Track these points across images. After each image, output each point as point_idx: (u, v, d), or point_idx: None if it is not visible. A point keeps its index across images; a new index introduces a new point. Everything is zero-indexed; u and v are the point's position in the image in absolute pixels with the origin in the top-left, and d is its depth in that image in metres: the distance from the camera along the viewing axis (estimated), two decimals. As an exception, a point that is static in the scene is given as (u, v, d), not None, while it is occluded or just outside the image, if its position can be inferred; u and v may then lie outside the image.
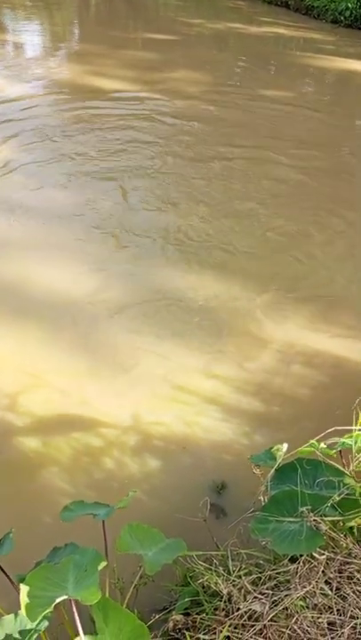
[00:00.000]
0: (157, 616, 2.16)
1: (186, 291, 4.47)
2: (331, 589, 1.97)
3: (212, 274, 4.69)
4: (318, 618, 1.92)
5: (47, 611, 1.63)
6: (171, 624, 2.06)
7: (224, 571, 2.14)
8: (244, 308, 4.36)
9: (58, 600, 1.67)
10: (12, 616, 1.83)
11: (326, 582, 2.00)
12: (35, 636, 1.74)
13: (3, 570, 2.00)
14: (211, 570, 2.15)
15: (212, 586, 2.09)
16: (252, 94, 8.43)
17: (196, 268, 4.76)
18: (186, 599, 2.16)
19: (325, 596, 1.97)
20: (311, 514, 1.97)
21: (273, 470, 2.26)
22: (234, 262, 4.85)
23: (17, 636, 1.75)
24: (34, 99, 7.91)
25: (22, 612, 1.64)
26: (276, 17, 12.92)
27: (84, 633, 1.74)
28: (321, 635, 1.90)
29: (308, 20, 12.82)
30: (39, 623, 1.69)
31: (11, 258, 4.76)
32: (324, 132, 7.53)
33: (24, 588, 1.73)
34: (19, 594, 1.78)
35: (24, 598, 1.70)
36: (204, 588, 2.15)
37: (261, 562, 2.18)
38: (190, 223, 5.31)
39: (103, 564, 1.79)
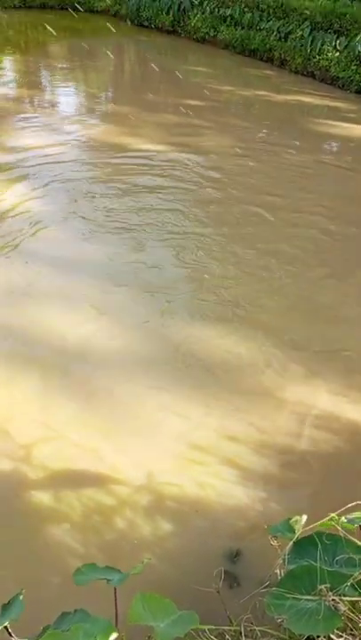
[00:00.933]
0: None
1: (205, 348, 4.48)
2: (349, 675, 1.88)
3: (231, 331, 4.71)
4: None
5: None
6: None
7: (237, 648, 2.06)
8: (264, 368, 4.35)
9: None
10: None
11: (344, 667, 1.90)
12: None
13: (11, 635, 1.94)
14: (223, 646, 2.07)
15: (224, 664, 2.00)
16: (278, 157, 8.69)
17: (216, 325, 4.79)
18: None
19: None
20: (330, 593, 1.89)
21: (291, 543, 2.19)
22: (255, 320, 4.87)
23: None
24: (65, 154, 8.22)
25: None
26: (301, 86, 13.41)
27: None
28: None
29: (333, 90, 13.28)
30: None
31: (28, 307, 4.85)
32: (350, 189, 7.67)
33: (31, 657, 1.68)
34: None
35: (31, 667, 1.65)
36: (215, 665, 2.07)
37: (276, 640, 2.09)
38: (217, 282, 5.38)
39: (114, 635, 1.73)
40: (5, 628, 1.95)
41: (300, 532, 2.22)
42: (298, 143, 9.54)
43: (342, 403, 4.09)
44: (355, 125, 10.81)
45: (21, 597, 2.00)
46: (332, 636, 1.93)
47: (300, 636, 2.04)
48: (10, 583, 2.67)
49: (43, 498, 3.17)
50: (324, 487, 3.39)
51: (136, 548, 2.94)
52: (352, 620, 1.99)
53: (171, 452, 3.56)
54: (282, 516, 2.46)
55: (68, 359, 4.25)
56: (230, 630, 2.18)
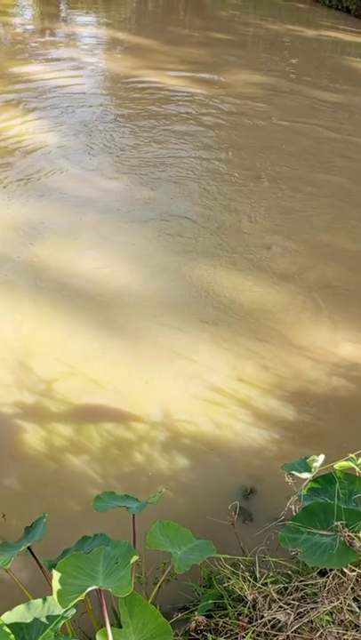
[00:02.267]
0: (179, 615, 2.15)
1: (228, 290, 4.44)
2: (359, 607, 1.94)
3: (254, 274, 4.65)
4: (344, 634, 1.90)
5: (78, 598, 1.64)
6: (193, 624, 2.05)
7: (250, 577, 2.13)
8: (283, 311, 4.32)
9: (89, 589, 1.68)
10: (40, 600, 1.84)
11: (355, 599, 1.96)
12: (61, 623, 1.76)
13: (34, 555, 2.02)
14: (237, 574, 2.14)
15: (237, 590, 2.08)
16: (305, 97, 8.35)
17: (238, 267, 4.73)
18: (209, 601, 2.15)
19: (353, 613, 1.94)
20: (346, 529, 1.93)
21: (308, 480, 2.23)
22: (276, 264, 4.80)
23: (44, 620, 1.77)
24: (83, 87, 7.98)
25: (54, 597, 1.66)
26: (335, 21, 12.75)
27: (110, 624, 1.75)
28: (345, 652, 1.87)
29: (367, 26, 12.62)
30: (68, 610, 1.70)
31: (49, 244, 4.82)
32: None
33: (56, 575, 1.74)
34: (47, 579, 1.80)
35: (56, 584, 1.71)
36: (228, 591, 2.14)
37: (289, 572, 2.16)
38: (236, 218, 5.28)
39: (135, 557, 1.79)
40: (28, 548, 2.03)
41: (316, 470, 2.25)
42: (328, 83, 9.13)
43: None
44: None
45: (44, 520, 2.07)
46: (345, 570, 1.98)
47: (313, 568, 2.10)
48: (32, 508, 2.77)
49: (63, 430, 3.24)
50: (342, 432, 3.42)
51: (153, 480, 3.01)
52: (365, 555, 2.02)
53: (188, 391, 3.59)
54: (297, 457, 2.48)
55: (87, 298, 4.25)
56: (245, 560, 2.24)
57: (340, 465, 2.20)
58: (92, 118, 7.12)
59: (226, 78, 8.77)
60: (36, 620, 1.78)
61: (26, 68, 8.63)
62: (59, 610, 1.76)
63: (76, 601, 1.66)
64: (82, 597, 1.67)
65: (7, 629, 1.64)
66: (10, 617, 1.78)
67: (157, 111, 7.44)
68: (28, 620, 1.79)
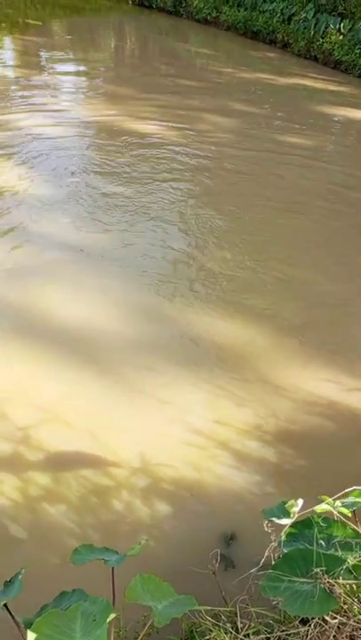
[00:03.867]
0: (161, 670, 2.10)
1: (203, 333, 4.48)
2: (342, 656, 1.91)
3: (229, 317, 4.71)
4: None
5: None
6: None
7: (232, 628, 2.09)
8: (260, 351, 4.36)
9: (66, 650, 1.64)
10: (16, 662, 1.79)
11: (338, 648, 1.94)
12: None
13: (10, 613, 1.97)
14: (218, 626, 2.10)
15: (219, 643, 2.03)
16: (274, 141, 8.63)
17: (213, 309, 4.79)
18: (191, 655, 2.11)
19: (336, 663, 1.91)
20: (325, 576, 1.92)
21: (287, 526, 2.22)
22: (250, 306, 4.87)
23: None
24: (65, 138, 8.15)
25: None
26: (304, 70, 13.30)
27: None
28: None
29: (336, 74, 13.17)
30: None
31: (27, 288, 4.84)
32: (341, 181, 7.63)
33: (31, 635, 1.70)
34: (24, 638, 1.75)
35: (31, 646, 1.67)
36: (210, 644, 2.10)
37: (271, 621, 2.13)
38: (212, 266, 5.37)
39: (113, 615, 1.75)
40: (5, 606, 1.97)
41: (295, 515, 2.24)
42: (299, 127, 9.46)
43: (339, 390, 4.11)
44: (357, 110, 10.72)
45: (21, 577, 2.03)
46: (326, 617, 1.96)
47: (294, 617, 2.07)
48: (10, 561, 2.70)
49: (40, 479, 3.19)
50: (321, 473, 3.42)
51: (133, 529, 2.97)
52: (346, 602, 2.02)
53: (167, 434, 3.58)
54: (277, 499, 2.48)
55: (62, 342, 4.25)
56: (226, 611, 2.21)
57: (319, 509, 2.20)
58: (66, 165, 7.24)
59: (198, 125, 9.04)
60: None
61: (5, 116, 8.81)
62: (35, 672, 1.71)
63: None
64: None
65: None
66: None
67: (132, 156, 7.61)
68: None
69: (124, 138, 8.26)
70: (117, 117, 9.09)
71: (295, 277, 5.33)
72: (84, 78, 11.67)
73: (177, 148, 8.04)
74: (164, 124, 8.93)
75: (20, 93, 10.02)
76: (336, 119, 10.40)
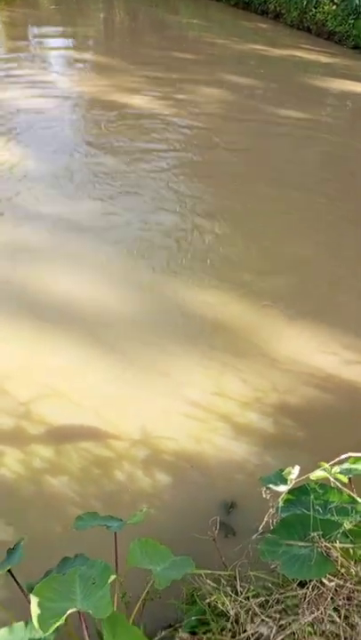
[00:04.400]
0: (163, 633, 2.16)
1: (201, 308, 4.50)
2: (339, 617, 1.97)
3: (226, 291, 4.72)
4: (326, 644, 1.92)
5: (58, 622, 1.64)
6: (177, 642, 2.06)
7: (232, 591, 2.15)
8: (259, 325, 4.38)
9: (68, 612, 1.69)
10: (22, 624, 1.84)
11: (335, 609, 1.99)
12: (44, 646, 1.76)
13: (14, 578, 2.02)
14: (218, 589, 2.16)
15: (220, 606, 2.09)
16: (268, 113, 8.54)
17: (208, 282, 4.80)
18: (192, 617, 2.17)
19: (333, 623, 1.97)
20: (322, 539, 1.97)
21: (284, 493, 2.26)
22: (246, 281, 4.87)
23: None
24: (54, 111, 8.05)
25: (34, 622, 1.66)
26: (297, 40, 13.09)
27: (92, 646, 1.76)
28: (328, 662, 1.90)
29: (330, 45, 12.96)
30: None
31: (29, 266, 4.82)
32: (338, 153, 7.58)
33: (34, 599, 1.75)
34: (29, 602, 1.80)
35: (35, 609, 1.72)
36: (210, 607, 2.16)
37: (270, 585, 2.18)
38: (205, 235, 5.36)
39: (112, 577, 1.80)
40: (9, 571, 2.02)
41: (292, 482, 2.28)
42: (293, 98, 9.35)
43: (337, 363, 4.14)
44: (350, 82, 10.59)
45: (22, 544, 2.07)
46: (323, 580, 2.01)
47: (292, 580, 2.13)
48: (13, 531, 2.75)
49: (42, 451, 3.23)
50: (318, 442, 3.46)
51: (134, 498, 3.02)
52: (343, 565, 2.07)
53: (167, 408, 3.61)
54: (276, 468, 2.52)
55: (65, 318, 4.26)
56: (225, 575, 2.26)
57: (315, 476, 2.24)
58: (56, 138, 7.17)
59: (190, 96, 8.92)
60: (18, 644, 1.77)
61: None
62: (40, 633, 1.76)
63: (56, 625, 1.66)
64: (62, 621, 1.67)
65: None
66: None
67: (123, 128, 7.53)
68: (11, 645, 1.79)
69: (114, 110, 8.17)
70: (108, 89, 8.97)
71: (291, 251, 5.33)
72: (72, 51, 11.48)
73: (169, 120, 7.96)
74: (156, 95, 8.83)
75: (6, 66, 9.84)
76: (330, 91, 10.28)
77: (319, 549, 1.95)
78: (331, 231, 5.76)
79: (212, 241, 5.36)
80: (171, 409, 3.61)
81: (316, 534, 1.98)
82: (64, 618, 1.69)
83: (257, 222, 5.74)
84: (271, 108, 8.87)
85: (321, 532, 1.99)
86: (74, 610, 1.73)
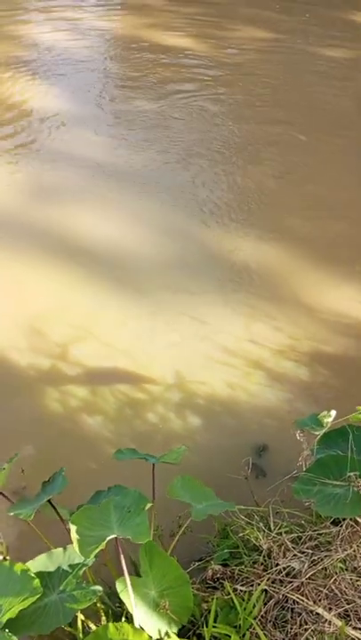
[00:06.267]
0: (196, 564, 2.22)
1: (235, 254, 4.43)
2: (372, 554, 1.99)
3: (262, 237, 4.62)
4: (357, 580, 1.95)
5: (99, 548, 1.69)
6: (210, 573, 2.11)
7: (265, 527, 2.18)
8: (295, 273, 4.30)
9: (109, 538, 1.74)
10: (60, 550, 1.92)
11: (368, 547, 2.01)
12: (82, 570, 1.82)
13: (54, 507, 2.08)
14: (251, 525, 2.19)
15: (252, 540, 2.13)
16: (310, 53, 8.16)
17: (243, 228, 4.70)
18: (225, 550, 2.21)
19: (366, 560, 1.98)
20: (359, 479, 1.97)
21: (320, 434, 2.26)
22: (286, 227, 4.76)
23: (66, 568, 1.84)
24: (86, 51, 7.83)
25: (75, 548, 1.71)
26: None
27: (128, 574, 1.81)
28: (359, 597, 1.92)
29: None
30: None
31: (62, 208, 4.80)
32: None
33: (73, 527, 1.80)
34: (67, 531, 1.86)
35: (74, 536, 1.77)
36: (243, 541, 2.20)
37: (303, 522, 2.21)
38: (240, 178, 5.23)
39: (148, 505, 1.84)
40: (49, 501, 2.09)
41: (328, 425, 2.27)
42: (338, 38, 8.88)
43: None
44: None
45: (63, 474, 2.13)
46: (358, 519, 2.02)
47: (326, 518, 2.14)
48: (49, 465, 2.83)
49: (79, 392, 3.29)
50: (354, 391, 3.43)
51: (167, 439, 3.06)
52: (378, 505, 2.05)
53: (201, 353, 3.61)
54: (309, 414, 2.50)
55: (98, 261, 4.26)
56: (259, 511, 2.29)
57: (354, 416, 2.22)
58: (96, 82, 7.01)
59: (228, 34, 8.57)
60: (58, 567, 1.84)
61: (26, 29, 8.50)
62: (79, 558, 1.82)
63: (96, 551, 1.71)
64: (102, 547, 1.72)
65: (32, 574, 1.69)
66: (33, 565, 1.84)
67: (157, 69, 7.31)
68: (51, 569, 1.86)
69: (147, 50, 7.90)
70: (141, 28, 8.66)
71: (330, 197, 5.17)
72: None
73: (205, 62, 7.68)
74: (192, 34, 8.51)
75: (43, 9, 9.56)
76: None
77: (355, 489, 1.95)
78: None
79: (250, 184, 5.23)
80: (205, 354, 3.61)
81: (353, 474, 1.97)
82: (104, 543, 1.74)
83: (296, 166, 5.56)
84: (313, 48, 8.44)
85: (358, 473, 1.98)
86: (113, 537, 1.78)
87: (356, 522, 2.03)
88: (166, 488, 2.19)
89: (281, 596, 1.97)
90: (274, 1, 10.63)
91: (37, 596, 1.66)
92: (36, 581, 1.69)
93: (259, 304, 4.00)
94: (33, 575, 1.70)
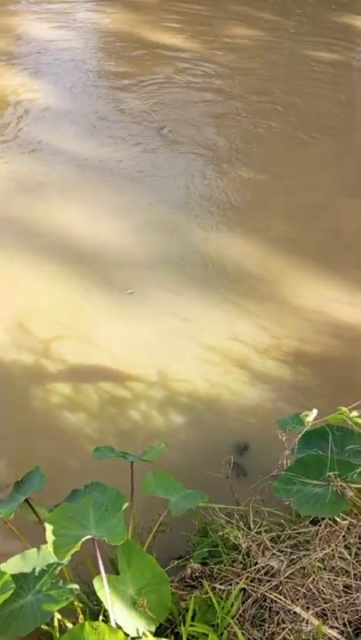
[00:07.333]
0: (175, 562, 2.21)
1: (219, 253, 4.42)
2: (350, 554, 1.99)
3: (245, 237, 4.62)
4: (335, 580, 1.95)
5: (74, 549, 1.68)
6: (188, 571, 2.11)
7: (244, 525, 2.18)
8: (277, 272, 4.31)
9: (84, 539, 1.72)
10: (34, 550, 1.90)
11: (346, 547, 2.01)
12: (58, 569, 1.81)
13: (30, 505, 2.06)
14: (231, 523, 2.19)
15: (232, 539, 2.13)
16: (301, 55, 8.17)
17: (228, 225, 4.70)
18: (205, 549, 2.21)
19: (344, 559, 1.99)
20: (338, 479, 1.97)
21: (301, 434, 2.26)
22: (266, 228, 4.76)
23: (41, 567, 1.82)
24: (74, 44, 7.78)
25: (50, 549, 1.69)
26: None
27: (105, 572, 1.80)
28: (336, 596, 1.93)
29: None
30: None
31: (40, 203, 4.77)
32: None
33: (49, 527, 1.78)
34: (44, 529, 1.84)
35: (50, 536, 1.75)
36: (222, 540, 2.20)
37: (282, 521, 2.21)
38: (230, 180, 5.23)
39: (125, 504, 1.83)
40: (26, 500, 2.07)
41: (309, 425, 2.28)
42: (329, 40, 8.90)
43: (358, 313, 4.06)
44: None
45: (40, 471, 2.11)
46: (336, 518, 2.02)
47: (305, 517, 2.15)
48: (29, 462, 2.81)
49: (62, 388, 3.27)
50: (335, 391, 3.44)
51: (149, 437, 3.06)
52: (357, 505, 2.07)
53: (184, 351, 3.60)
54: (291, 413, 2.51)
55: (82, 257, 4.23)
56: (239, 510, 2.29)
57: (332, 417, 2.23)
58: (84, 77, 6.95)
59: (219, 33, 8.53)
60: (33, 568, 1.82)
61: (15, 20, 8.42)
62: (54, 558, 1.80)
63: (71, 552, 1.69)
64: (77, 548, 1.70)
65: (9, 578, 1.67)
66: (7, 567, 1.82)
67: (147, 66, 7.26)
68: (26, 570, 1.84)
69: (138, 46, 7.85)
70: (131, 24, 8.61)
71: (312, 199, 5.17)
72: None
73: (196, 60, 7.63)
74: (183, 31, 8.44)
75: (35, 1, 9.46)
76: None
77: (334, 488, 1.96)
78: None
79: (234, 184, 5.23)
80: (188, 353, 3.60)
81: (332, 474, 1.98)
82: (79, 545, 1.72)
83: (282, 166, 5.57)
84: (303, 50, 8.45)
85: (337, 472, 1.99)
86: (89, 537, 1.76)
87: (335, 521, 2.03)
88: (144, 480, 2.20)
89: (259, 595, 1.97)
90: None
91: (10, 592, 1.63)
92: (7, 576, 1.66)
93: (243, 303, 4.00)
94: (2, 570, 1.68)
